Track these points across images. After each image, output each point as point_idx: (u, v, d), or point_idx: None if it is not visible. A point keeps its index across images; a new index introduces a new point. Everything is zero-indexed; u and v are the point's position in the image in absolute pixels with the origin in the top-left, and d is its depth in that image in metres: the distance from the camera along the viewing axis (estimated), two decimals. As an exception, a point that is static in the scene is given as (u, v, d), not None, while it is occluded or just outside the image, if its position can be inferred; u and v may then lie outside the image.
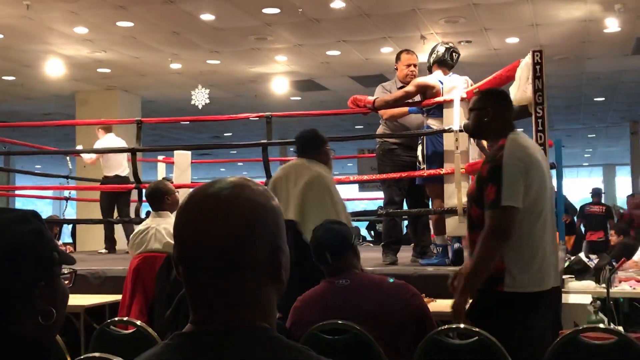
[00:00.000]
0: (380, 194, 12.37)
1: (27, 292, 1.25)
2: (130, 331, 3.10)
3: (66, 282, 1.35)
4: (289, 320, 2.96)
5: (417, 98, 5.60)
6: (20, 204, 22.27)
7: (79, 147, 9.35)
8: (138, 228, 4.73)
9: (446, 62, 5.59)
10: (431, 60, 5.62)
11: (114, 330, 3.14)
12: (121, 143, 8.67)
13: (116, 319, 3.28)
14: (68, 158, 9.36)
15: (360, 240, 14.30)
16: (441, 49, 5.59)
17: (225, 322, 1.12)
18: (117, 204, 8.63)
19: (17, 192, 15.19)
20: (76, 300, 4.85)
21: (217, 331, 1.11)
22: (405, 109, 5.75)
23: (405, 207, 6.05)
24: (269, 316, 1.16)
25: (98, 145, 8.70)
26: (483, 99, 3.25)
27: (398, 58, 6.04)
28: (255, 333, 1.12)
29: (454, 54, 5.62)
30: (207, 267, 1.13)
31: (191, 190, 1.23)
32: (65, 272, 1.34)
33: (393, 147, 5.87)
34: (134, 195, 7.11)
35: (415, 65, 5.92)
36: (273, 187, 4.15)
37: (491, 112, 3.16)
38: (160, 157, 9.99)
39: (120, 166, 8.65)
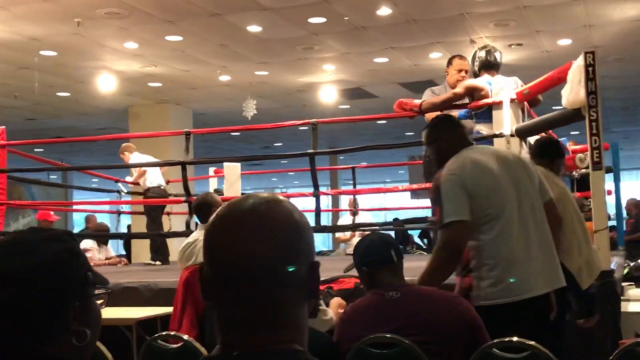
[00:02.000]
0: (432, 202, 12.14)
1: (61, 312, 1.23)
2: (177, 345, 3.09)
3: (100, 302, 1.32)
4: (335, 333, 2.90)
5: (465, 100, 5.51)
6: (78, 217, 22.76)
7: (128, 178, 9.56)
8: (187, 241, 4.75)
9: (491, 64, 5.51)
10: (475, 67, 5.51)
11: (162, 345, 3.14)
12: (149, 159, 8.90)
13: (163, 333, 3.27)
14: (120, 184, 9.57)
15: (414, 248, 14.19)
16: (482, 54, 5.50)
17: (259, 344, 1.07)
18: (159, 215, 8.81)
19: (74, 207, 15.52)
20: (129, 312, 4.89)
21: (248, 354, 1.07)
22: (454, 115, 5.65)
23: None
24: (302, 336, 1.12)
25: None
26: (433, 130, 3.29)
27: (450, 63, 5.96)
28: (289, 356, 1.07)
29: (495, 54, 5.53)
30: (251, 285, 1.08)
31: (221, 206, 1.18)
32: (99, 292, 1.32)
33: None
34: (184, 207, 7.17)
35: (466, 72, 5.83)
36: None
37: (445, 140, 3.20)
38: (211, 169, 10.09)
39: (153, 178, 8.88)
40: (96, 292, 1.30)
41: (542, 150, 4.10)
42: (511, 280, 2.90)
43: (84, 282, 1.27)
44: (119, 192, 9.16)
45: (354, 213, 10.07)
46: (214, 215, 1.15)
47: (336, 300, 4.47)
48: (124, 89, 11.87)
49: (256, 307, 1.08)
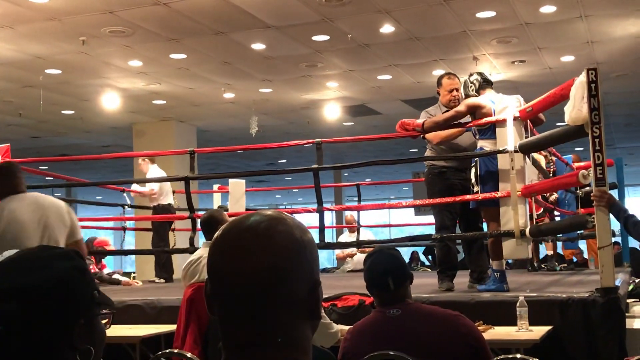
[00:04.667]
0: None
1: (68, 329, 1.23)
2: (181, 363, 3.09)
3: (104, 321, 1.33)
4: (340, 352, 2.90)
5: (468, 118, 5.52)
6: (82, 234, 22.80)
7: (135, 186, 9.57)
8: (191, 258, 4.73)
9: (488, 80, 5.54)
10: (472, 91, 5.50)
11: (166, 363, 3.14)
12: (163, 174, 8.90)
13: (167, 350, 3.27)
14: (125, 194, 9.57)
15: (418, 265, 14.16)
16: (474, 77, 5.52)
17: None
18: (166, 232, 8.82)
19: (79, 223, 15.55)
20: (132, 330, 4.89)
21: None
22: (458, 128, 5.64)
23: (458, 231, 5.92)
24: (306, 355, 1.11)
25: (149, 176, 8.90)
26: None
27: (439, 83, 5.95)
28: None
29: (483, 74, 5.60)
30: (246, 304, 1.08)
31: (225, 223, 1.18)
32: (105, 312, 1.33)
33: (443, 170, 5.77)
34: (188, 224, 7.17)
35: (457, 90, 5.82)
36: None
37: None
38: (215, 186, 10.10)
39: (166, 195, 8.86)
40: (102, 311, 1.30)
41: None
42: None
43: (91, 301, 1.28)
44: (123, 206, 9.16)
45: (353, 230, 10.10)
46: (217, 232, 1.15)
47: None
48: (128, 107, 11.93)
49: (254, 326, 1.08)
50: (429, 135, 5.74)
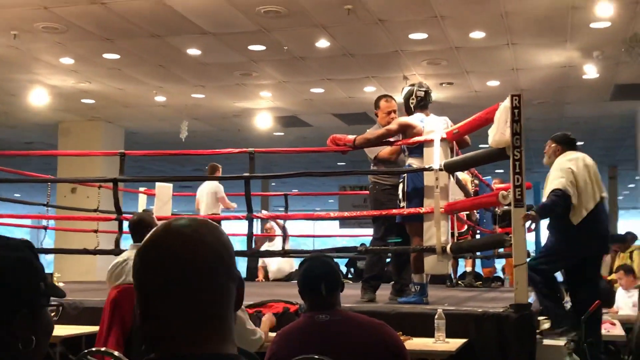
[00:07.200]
0: (360, 231, 12.33)
1: (9, 318, 1.27)
2: (107, 362, 3.10)
3: (52, 313, 1.37)
4: (266, 355, 2.97)
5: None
6: (-2, 232, 22.07)
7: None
8: (117, 259, 4.71)
9: (427, 104, 5.68)
10: (411, 103, 5.66)
11: (92, 361, 3.14)
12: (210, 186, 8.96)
13: (93, 349, 3.27)
14: (49, 189, 9.34)
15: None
16: (421, 93, 5.65)
17: (190, 352, 1.14)
18: None
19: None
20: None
21: (184, 356, 1.14)
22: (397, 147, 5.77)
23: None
24: (232, 343, 1.19)
25: None
26: None
27: (377, 105, 6.06)
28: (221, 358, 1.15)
29: (429, 94, 5.72)
30: (185, 297, 1.14)
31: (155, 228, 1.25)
32: (52, 304, 1.37)
33: (387, 188, 5.90)
34: (114, 226, 7.10)
35: (395, 112, 5.96)
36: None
37: None
38: (142, 189, 9.99)
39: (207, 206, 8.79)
40: (50, 303, 1.35)
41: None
42: None
43: (36, 292, 1.31)
44: (46, 205, 8.92)
45: (272, 239, 10.23)
46: (149, 234, 1.21)
47: (268, 318, 4.54)
48: (56, 104, 11.69)
49: (189, 318, 1.15)
50: (383, 153, 5.85)
